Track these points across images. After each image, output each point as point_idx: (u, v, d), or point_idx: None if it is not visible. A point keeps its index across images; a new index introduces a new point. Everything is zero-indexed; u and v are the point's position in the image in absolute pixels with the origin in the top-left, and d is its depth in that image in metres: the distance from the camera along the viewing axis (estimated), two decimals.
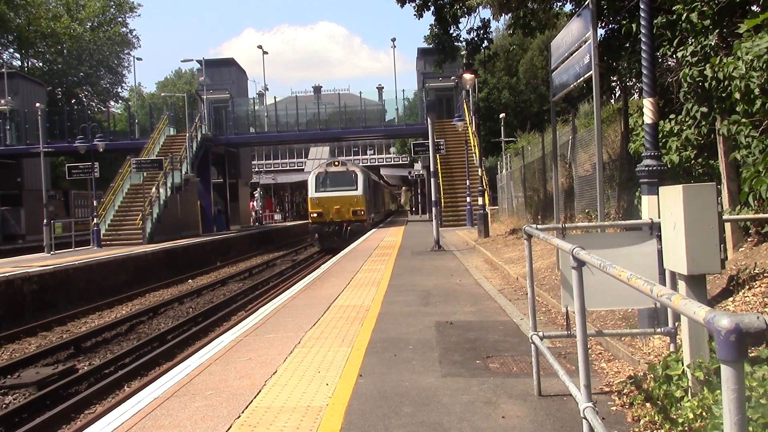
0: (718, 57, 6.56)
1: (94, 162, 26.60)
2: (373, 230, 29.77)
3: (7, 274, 15.47)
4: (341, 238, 27.66)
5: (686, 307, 1.77)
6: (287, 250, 32.25)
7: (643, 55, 5.61)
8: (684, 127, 7.92)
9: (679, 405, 3.81)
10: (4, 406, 8.62)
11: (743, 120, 6.24)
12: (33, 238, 34.27)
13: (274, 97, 48.61)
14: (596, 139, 7.90)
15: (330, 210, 28.49)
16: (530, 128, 39.86)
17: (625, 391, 4.57)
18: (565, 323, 4.68)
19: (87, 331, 13.23)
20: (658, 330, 4.64)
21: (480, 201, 22.05)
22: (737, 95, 5.90)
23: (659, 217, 4.28)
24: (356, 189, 28.92)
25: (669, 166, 7.32)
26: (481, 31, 18.11)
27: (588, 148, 13.43)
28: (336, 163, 30.59)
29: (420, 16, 17.29)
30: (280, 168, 71.82)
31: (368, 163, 64.27)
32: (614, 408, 4.37)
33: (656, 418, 3.89)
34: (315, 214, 28.84)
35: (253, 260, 28.58)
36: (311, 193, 29.38)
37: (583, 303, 3.15)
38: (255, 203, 49.76)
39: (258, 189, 52.98)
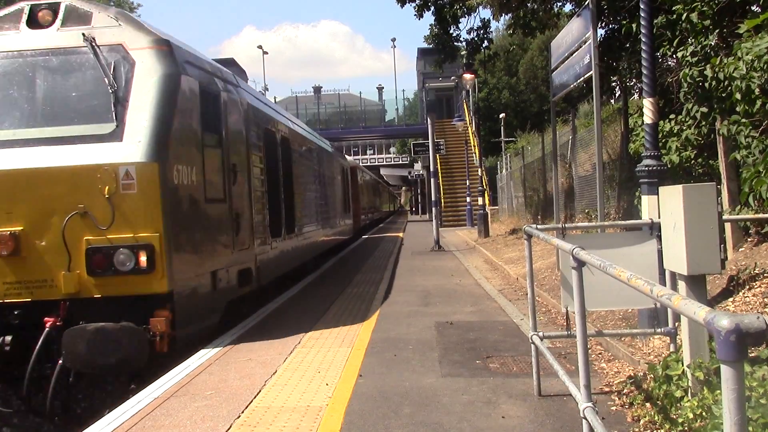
0: (719, 57, 6.56)
1: None
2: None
3: None
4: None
5: (686, 307, 1.77)
6: None
7: (643, 55, 5.61)
8: (684, 127, 7.92)
9: (679, 405, 3.82)
10: None
11: (743, 120, 6.24)
12: None
13: (274, 97, 48.64)
14: (596, 139, 7.91)
15: None
16: (530, 128, 39.83)
17: (625, 391, 4.57)
18: (565, 323, 4.68)
19: None
20: (658, 330, 4.64)
21: (480, 201, 22.06)
22: (737, 95, 5.91)
23: (659, 217, 4.28)
24: (115, 130, 5.83)
25: (669, 166, 7.33)
26: (481, 31, 18.11)
27: (588, 148, 13.44)
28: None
29: (420, 16, 17.27)
30: None
31: (368, 163, 64.11)
32: (614, 408, 4.37)
33: (656, 418, 3.89)
34: None
35: None
36: None
37: (583, 303, 3.15)
38: None
39: None
